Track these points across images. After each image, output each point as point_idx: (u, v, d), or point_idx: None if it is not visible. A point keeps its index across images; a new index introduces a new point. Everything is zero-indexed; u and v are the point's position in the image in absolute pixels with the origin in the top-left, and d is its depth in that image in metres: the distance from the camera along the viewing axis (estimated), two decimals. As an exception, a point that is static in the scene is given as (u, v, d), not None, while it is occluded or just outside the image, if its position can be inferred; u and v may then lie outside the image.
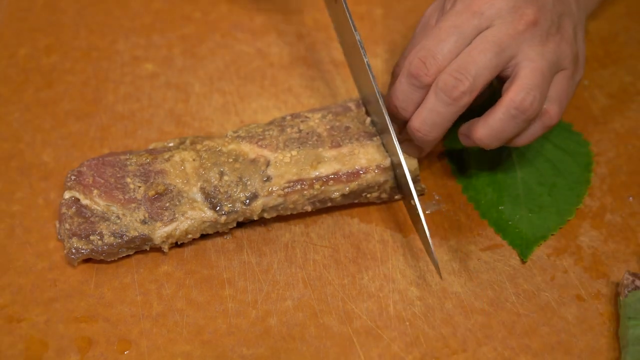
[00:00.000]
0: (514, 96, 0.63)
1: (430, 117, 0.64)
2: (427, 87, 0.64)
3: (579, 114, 0.76)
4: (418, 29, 0.69)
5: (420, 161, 0.70)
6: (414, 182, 0.67)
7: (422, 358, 0.62)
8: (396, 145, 0.65)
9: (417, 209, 0.64)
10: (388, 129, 0.66)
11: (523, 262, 0.66)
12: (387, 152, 0.67)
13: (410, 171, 0.66)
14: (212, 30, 0.84)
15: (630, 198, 0.70)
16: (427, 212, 0.70)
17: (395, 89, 0.66)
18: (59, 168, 0.72)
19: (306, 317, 0.64)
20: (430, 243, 0.63)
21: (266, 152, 0.68)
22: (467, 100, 0.63)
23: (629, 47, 0.82)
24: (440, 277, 0.65)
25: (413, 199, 0.64)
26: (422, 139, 0.65)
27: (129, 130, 0.75)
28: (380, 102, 0.66)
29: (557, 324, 0.63)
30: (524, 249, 0.67)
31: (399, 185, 0.68)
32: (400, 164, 0.66)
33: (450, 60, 0.64)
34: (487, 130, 0.64)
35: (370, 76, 0.67)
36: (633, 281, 0.62)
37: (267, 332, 0.63)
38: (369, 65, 0.67)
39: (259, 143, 0.68)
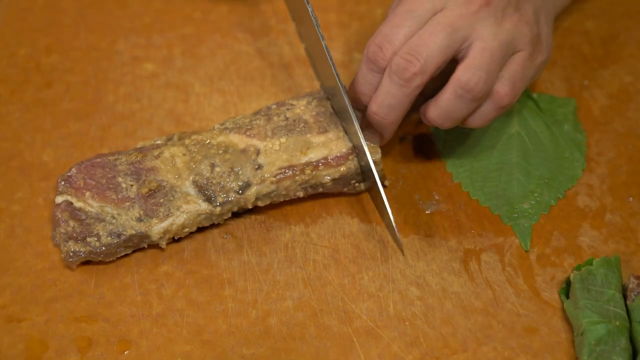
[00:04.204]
0: (460, 76, 0.64)
1: (386, 100, 0.65)
2: (384, 72, 0.65)
3: (579, 114, 0.76)
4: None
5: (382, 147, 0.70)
6: (377, 170, 0.68)
7: (422, 358, 0.62)
8: (359, 133, 0.66)
9: (380, 191, 0.66)
10: (351, 119, 0.67)
11: (525, 251, 0.67)
12: (350, 141, 0.68)
13: (375, 161, 0.67)
14: (212, 30, 0.84)
15: (630, 198, 0.70)
16: (427, 212, 0.70)
17: (357, 76, 0.67)
18: (59, 168, 0.72)
19: (306, 317, 0.64)
20: (393, 222, 0.65)
21: (255, 141, 0.68)
22: (419, 81, 0.64)
23: (629, 47, 0.82)
24: (403, 254, 0.67)
25: (377, 183, 0.66)
26: (380, 122, 0.67)
27: (129, 130, 0.75)
28: (342, 91, 0.67)
29: (557, 324, 0.63)
30: (525, 236, 0.68)
31: (363, 172, 0.68)
32: (363, 152, 0.67)
33: None
34: (437, 110, 0.65)
35: (332, 66, 0.68)
36: (638, 285, 0.62)
37: (267, 332, 0.63)
38: (329, 55, 0.68)
39: (248, 133, 0.69)
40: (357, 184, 0.69)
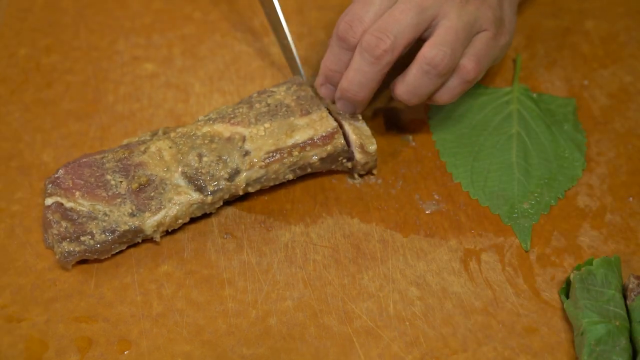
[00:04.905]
0: (426, 52, 0.66)
1: (356, 77, 0.67)
2: (354, 49, 0.68)
3: (579, 114, 0.76)
4: None
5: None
6: (371, 160, 0.70)
7: (422, 358, 0.62)
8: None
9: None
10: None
11: (526, 251, 0.67)
12: (335, 120, 0.70)
13: (370, 153, 0.69)
14: (212, 30, 0.84)
15: (630, 198, 0.70)
16: (427, 212, 0.70)
17: (327, 53, 0.69)
18: (58, 168, 0.72)
19: (306, 317, 0.64)
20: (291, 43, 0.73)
21: (240, 129, 0.69)
22: (389, 58, 0.66)
23: (629, 47, 0.82)
24: (303, 78, 0.73)
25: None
26: (352, 99, 0.69)
27: (129, 130, 0.75)
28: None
29: (557, 324, 0.63)
30: (525, 236, 0.68)
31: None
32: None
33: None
34: (404, 86, 0.68)
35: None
36: (638, 285, 0.62)
37: (267, 332, 0.63)
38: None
39: (232, 121, 0.69)
40: (345, 161, 0.70)
